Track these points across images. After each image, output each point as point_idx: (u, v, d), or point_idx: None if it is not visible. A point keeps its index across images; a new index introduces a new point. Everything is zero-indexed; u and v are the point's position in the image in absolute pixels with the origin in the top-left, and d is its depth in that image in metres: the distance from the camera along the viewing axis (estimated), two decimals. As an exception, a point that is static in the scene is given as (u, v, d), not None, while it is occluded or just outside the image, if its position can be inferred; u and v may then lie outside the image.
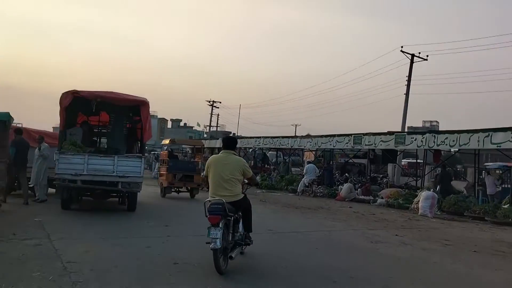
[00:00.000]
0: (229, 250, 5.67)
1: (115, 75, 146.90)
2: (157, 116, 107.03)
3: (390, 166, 27.52)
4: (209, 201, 5.70)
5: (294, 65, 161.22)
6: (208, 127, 58.21)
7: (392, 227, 11.55)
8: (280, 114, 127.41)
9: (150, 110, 10.68)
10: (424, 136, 18.01)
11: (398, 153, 26.75)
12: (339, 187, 21.31)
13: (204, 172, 6.26)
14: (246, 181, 6.37)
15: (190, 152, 26.01)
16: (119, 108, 11.59)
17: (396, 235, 10.01)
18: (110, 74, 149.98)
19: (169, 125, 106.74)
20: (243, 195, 6.15)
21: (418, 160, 34.04)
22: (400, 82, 31.19)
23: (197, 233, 7.62)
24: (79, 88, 10.52)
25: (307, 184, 20.48)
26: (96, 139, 13.72)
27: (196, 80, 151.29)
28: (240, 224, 6.19)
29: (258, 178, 26.49)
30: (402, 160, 29.52)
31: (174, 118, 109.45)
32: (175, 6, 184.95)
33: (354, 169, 26.83)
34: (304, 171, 21.28)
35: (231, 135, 40.47)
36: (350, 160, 26.45)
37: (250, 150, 31.67)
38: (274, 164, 31.45)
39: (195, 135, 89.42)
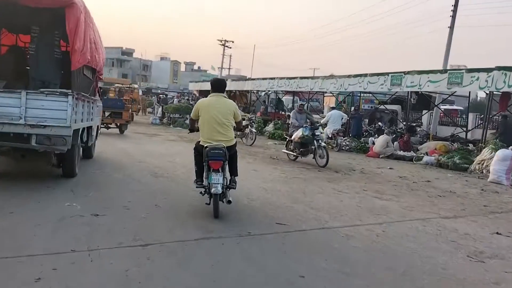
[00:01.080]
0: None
1: (128, 19, 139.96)
2: (169, 58, 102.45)
3: (426, 114, 22.81)
4: (205, 145, 5.58)
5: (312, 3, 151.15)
6: (221, 69, 52.86)
7: (473, 209, 7.26)
8: (297, 56, 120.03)
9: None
10: (490, 73, 13.19)
11: (433, 97, 22.05)
12: (370, 139, 16.92)
13: (192, 114, 6.11)
14: (234, 125, 5.96)
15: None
16: (44, 17, 7.13)
17: (497, 232, 5.72)
18: (123, 17, 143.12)
19: (183, 68, 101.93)
20: (235, 140, 5.95)
21: (456, 107, 29.35)
22: (423, 20, 25.48)
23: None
24: None
25: (330, 135, 16.07)
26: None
27: (210, 22, 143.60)
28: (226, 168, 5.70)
29: (271, 126, 22.56)
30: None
31: (188, 62, 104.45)
32: None
33: (385, 116, 22.23)
34: (326, 119, 16.78)
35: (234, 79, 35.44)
36: (382, 107, 21.69)
37: (263, 93, 27.15)
38: (290, 110, 26.95)
39: (209, 78, 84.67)
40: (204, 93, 32.69)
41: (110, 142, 13.66)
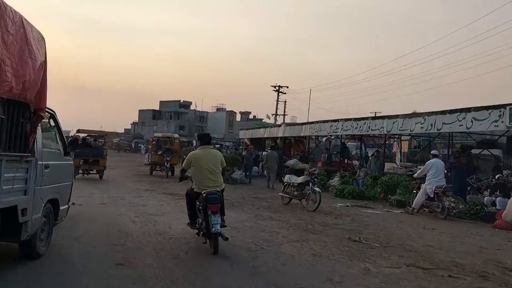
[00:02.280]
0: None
1: (185, 72, 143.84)
2: (225, 109, 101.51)
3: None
4: (195, 191, 6.40)
5: (366, 49, 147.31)
6: (275, 116, 48.99)
7: None
8: (355, 98, 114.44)
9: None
10: None
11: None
12: (486, 199, 11.55)
13: (184, 165, 6.82)
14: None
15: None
16: None
17: None
18: (180, 71, 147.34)
19: (238, 117, 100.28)
20: (224, 185, 6.67)
21: None
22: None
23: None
24: None
25: (431, 195, 10.90)
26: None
27: (264, 71, 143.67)
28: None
29: (336, 179, 17.78)
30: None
31: (243, 111, 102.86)
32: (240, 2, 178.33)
33: (484, 164, 16.64)
34: (423, 170, 11.66)
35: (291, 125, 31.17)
36: (478, 151, 16.10)
37: (324, 139, 22.51)
38: (358, 158, 21.91)
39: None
40: (256, 141, 28.84)
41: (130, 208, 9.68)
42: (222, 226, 6.20)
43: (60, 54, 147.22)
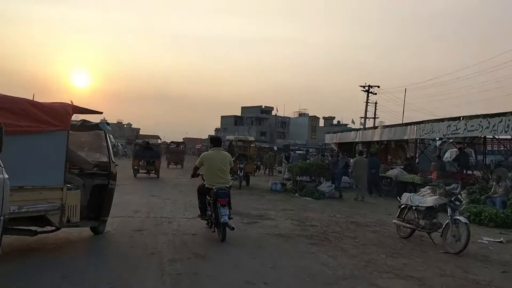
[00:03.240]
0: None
1: (267, 78, 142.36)
2: (308, 114, 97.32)
3: None
4: (213, 187, 7.04)
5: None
6: (364, 120, 43.84)
7: None
8: (452, 98, 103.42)
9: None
10: None
11: None
12: None
13: (197, 163, 7.65)
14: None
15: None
16: None
17: None
18: (262, 77, 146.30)
19: (321, 123, 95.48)
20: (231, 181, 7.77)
21: None
22: None
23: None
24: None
25: None
26: None
27: (350, 75, 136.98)
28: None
29: (463, 195, 12.78)
30: None
31: (326, 116, 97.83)
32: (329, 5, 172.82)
33: None
34: None
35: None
36: None
37: (438, 142, 17.70)
38: (481, 167, 16.76)
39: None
40: (344, 146, 24.58)
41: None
42: (229, 218, 6.89)
43: (153, 68, 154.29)
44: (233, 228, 6.93)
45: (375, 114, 45.69)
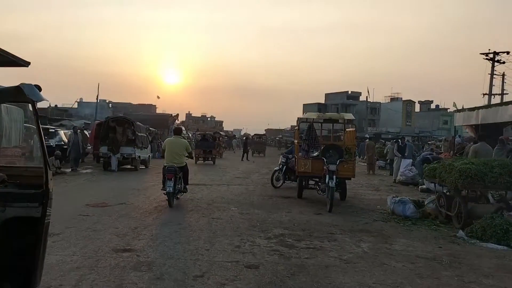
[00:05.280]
0: (176, 194, 8.80)
1: (353, 63, 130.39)
2: (401, 98, 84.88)
3: None
4: (165, 166, 8.73)
5: None
6: (489, 96, 32.43)
7: None
8: None
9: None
10: None
11: None
12: None
13: (162, 147, 9.77)
14: (187, 154, 9.12)
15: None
16: None
17: None
18: (347, 62, 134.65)
19: (417, 108, 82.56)
20: (185, 163, 9.12)
21: None
22: None
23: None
24: None
25: None
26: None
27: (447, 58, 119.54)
28: (181, 180, 9.07)
29: None
30: None
31: (423, 100, 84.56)
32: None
33: None
34: None
35: None
36: None
37: None
38: None
39: (450, 119, 63.36)
40: (489, 129, 15.26)
41: None
42: (183, 191, 9.27)
43: (236, 62, 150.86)
44: (177, 198, 9.11)
45: (502, 88, 34.07)
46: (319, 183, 9.91)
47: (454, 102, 66.86)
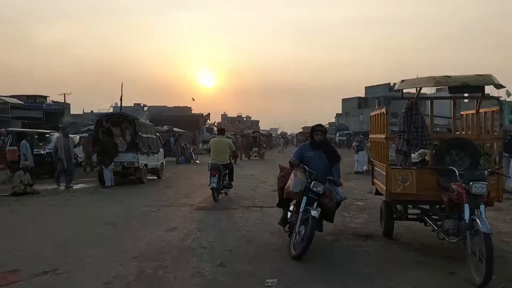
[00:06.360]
0: (220, 189, 8.98)
1: (394, 56, 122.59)
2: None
3: None
4: (210, 163, 8.97)
5: None
6: None
7: None
8: None
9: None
10: None
11: None
12: None
13: (208, 146, 11.93)
14: (231, 153, 9.54)
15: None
16: None
17: None
18: (387, 54, 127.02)
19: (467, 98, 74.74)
20: (229, 161, 9.34)
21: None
22: None
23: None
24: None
25: None
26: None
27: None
28: (227, 176, 9.24)
29: None
30: None
31: (472, 89, 76.37)
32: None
33: None
34: None
35: None
36: None
37: None
38: None
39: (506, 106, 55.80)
40: None
41: None
42: (229, 187, 9.50)
43: (273, 62, 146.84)
44: (222, 193, 9.26)
45: None
46: (435, 215, 5.15)
47: (507, 91, 59.01)
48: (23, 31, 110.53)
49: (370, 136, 7.32)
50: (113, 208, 8.01)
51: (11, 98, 50.39)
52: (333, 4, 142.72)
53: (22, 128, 27.39)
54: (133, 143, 11.77)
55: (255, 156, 24.52)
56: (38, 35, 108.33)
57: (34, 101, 54.36)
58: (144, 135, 12.29)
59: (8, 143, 13.84)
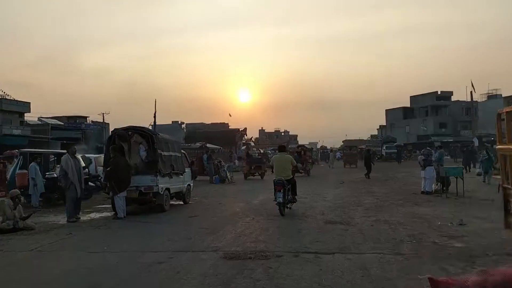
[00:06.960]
0: (286, 204, 9.25)
1: (440, 63, 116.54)
2: (501, 95, 70.94)
3: None
4: (275, 179, 9.32)
5: None
6: None
7: None
8: None
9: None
10: None
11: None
12: None
13: (270, 163, 10.63)
14: (293, 168, 9.86)
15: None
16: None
17: None
18: (434, 62, 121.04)
19: (524, 104, 68.42)
20: (292, 176, 9.69)
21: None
22: None
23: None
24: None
25: None
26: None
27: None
28: (290, 191, 9.45)
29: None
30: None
31: (529, 95, 69.74)
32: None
33: None
34: None
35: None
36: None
37: None
38: None
39: None
40: None
41: None
42: (292, 201, 9.63)
43: (308, 75, 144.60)
44: (289, 208, 9.53)
45: None
46: None
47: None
48: (70, 57, 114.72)
49: (498, 146, 4.64)
50: (107, 256, 5.75)
51: (51, 120, 51.11)
52: (370, 16, 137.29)
53: (60, 149, 26.50)
54: (152, 163, 9.61)
55: (300, 173, 20.86)
56: (84, 61, 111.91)
57: (74, 122, 54.95)
58: (165, 153, 10.10)
59: (18, 166, 12.16)
